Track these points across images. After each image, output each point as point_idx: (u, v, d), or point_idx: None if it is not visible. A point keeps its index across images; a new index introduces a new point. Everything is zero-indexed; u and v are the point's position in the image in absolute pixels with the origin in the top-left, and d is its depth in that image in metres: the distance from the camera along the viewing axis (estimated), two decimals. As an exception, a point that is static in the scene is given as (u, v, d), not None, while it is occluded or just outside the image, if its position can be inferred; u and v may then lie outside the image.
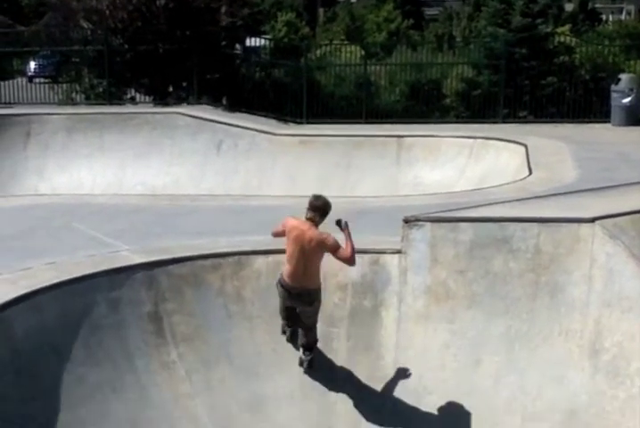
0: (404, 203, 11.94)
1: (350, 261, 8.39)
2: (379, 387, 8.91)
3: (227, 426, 8.38)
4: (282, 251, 8.67)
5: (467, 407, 8.65)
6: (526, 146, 15.58)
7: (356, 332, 9.26)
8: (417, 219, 9.38)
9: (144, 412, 8.23)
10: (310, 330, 8.83)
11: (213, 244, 9.96)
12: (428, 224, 9.36)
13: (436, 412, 8.68)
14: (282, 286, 8.55)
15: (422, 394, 8.81)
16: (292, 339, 9.11)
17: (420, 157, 16.85)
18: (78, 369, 8.22)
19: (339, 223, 8.41)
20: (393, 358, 9.09)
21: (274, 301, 8.94)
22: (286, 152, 17.59)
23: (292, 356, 9.08)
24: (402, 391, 8.85)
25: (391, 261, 9.43)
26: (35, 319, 8.21)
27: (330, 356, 9.09)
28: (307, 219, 8.37)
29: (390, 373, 8.99)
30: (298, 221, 8.45)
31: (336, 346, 9.20)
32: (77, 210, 12.47)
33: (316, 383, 8.96)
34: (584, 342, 8.69)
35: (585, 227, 8.98)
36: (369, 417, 8.71)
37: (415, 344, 9.10)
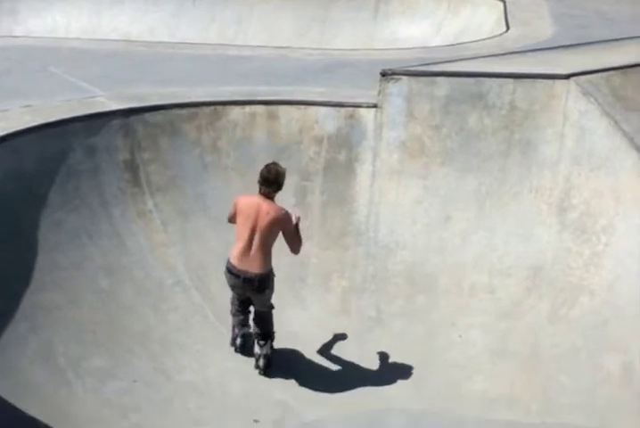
0: (381, 57, 11.51)
1: (298, 249, 7.36)
2: (352, 241, 8.79)
3: (202, 275, 8.27)
4: (259, 102, 8.30)
5: (437, 262, 8.58)
6: (504, 2, 15.03)
7: (330, 186, 9.05)
8: (394, 73, 9.01)
9: (120, 259, 8.08)
10: (267, 315, 7.59)
11: (189, 93, 9.54)
12: (404, 78, 8.99)
13: (407, 267, 8.61)
14: (229, 272, 7.28)
15: (394, 249, 8.71)
16: (244, 347, 7.75)
17: (398, 11, 16.23)
18: (55, 214, 7.98)
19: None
20: (366, 212, 8.93)
21: (251, 153, 8.67)
22: (263, 3, 16.89)
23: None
24: (373, 246, 8.74)
25: (367, 115, 9.10)
26: (13, 162, 7.86)
27: (304, 209, 8.90)
28: (262, 195, 7.15)
29: (363, 227, 8.86)
30: (251, 197, 7.22)
31: (310, 200, 9.01)
32: (53, 54, 11.98)
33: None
34: (553, 200, 8.56)
35: (559, 84, 8.66)
36: (340, 268, 8.63)
37: (388, 199, 8.93)
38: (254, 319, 7.61)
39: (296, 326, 8.02)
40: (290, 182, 8.97)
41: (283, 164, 8.95)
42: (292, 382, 7.42)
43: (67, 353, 7.09)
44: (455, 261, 8.55)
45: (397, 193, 8.96)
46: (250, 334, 7.67)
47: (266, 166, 7.19)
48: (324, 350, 7.84)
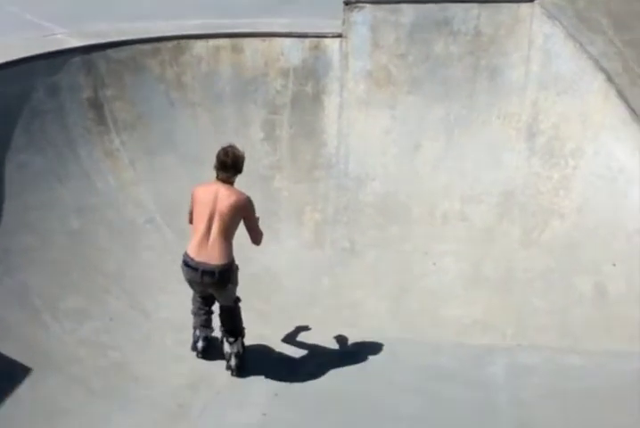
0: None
1: (259, 239, 6.62)
2: (323, 174, 8.69)
3: (174, 212, 8.12)
4: (223, 36, 8.04)
5: (408, 192, 8.52)
6: None
7: (298, 119, 8.89)
8: (358, 1, 8.78)
9: (90, 200, 7.93)
10: (234, 310, 6.85)
11: (151, 28, 9.25)
12: (368, 6, 8.75)
13: (378, 197, 8.55)
14: (186, 265, 6.46)
15: (365, 180, 8.63)
16: (206, 351, 7.01)
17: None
18: (21, 156, 7.77)
19: None
20: (336, 144, 8.80)
21: (217, 88, 8.47)
22: None
23: (238, 146, 8.61)
24: (344, 178, 8.66)
25: (332, 46, 8.89)
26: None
27: (273, 143, 8.75)
28: (220, 180, 6.42)
29: (333, 160, 8.75)
30: (208, 184, 6.51)
31: (278, 133, 8.86)
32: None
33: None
34: (521, 125, 8.47)
35: (524, 7, 8.47)
36: (312, 201, 8.55)
37: (357, 130, 8.80)
38: (220, 316, 6.90)
39: (270, 260, 7.96)
40: (257, 116, 8.93)
41: (249, 97, 8.87)
42: (268, 314, 7.37)
43: (42, 295, 6.99)
44: (427, 190, 8.48)
45: (365, 124, 8.83)
46: (211, 337, 7.02)
47: (223, 149, 6.42)
48: (299, 283, 7.80)
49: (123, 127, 8.52)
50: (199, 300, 6.92)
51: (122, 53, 8.72)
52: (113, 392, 6.43)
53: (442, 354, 7.12)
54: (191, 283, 6.59)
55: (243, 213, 6.42)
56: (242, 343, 6.89)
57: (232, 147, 6.45)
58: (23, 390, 6.11)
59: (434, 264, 8.00)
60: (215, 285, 6.50)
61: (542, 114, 8.36)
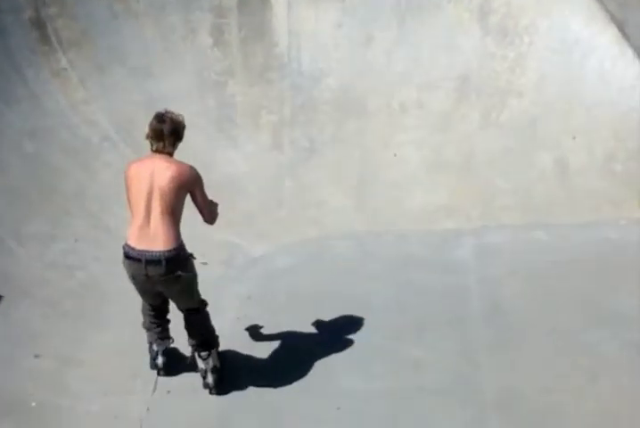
0: None
1: (212, 217, 5.60)
2: (276, 75, 8.45)
3: (129, 128, 7.93)
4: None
5: (364, 85, 8.31)
6: None
7: (246, 21, 8.57)
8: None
9: (42, 122, 7.71)
10: (201, 316, 5.73)
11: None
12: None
13: (334, 93, 8.33)
14: (127, 257, 5.32)
15: (320, 77, 8.39)
16: (168, 366, 5.93)
17: None
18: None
19: None
20: (287, 43, 8.53)
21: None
22: None
23: (187, 54, 8.44)
24: (298, 77, 8.41)
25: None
26: None
27: (223, 48, 8.50)
28: (156, 152, 5.29)
29: (286, 59, 8.49)
30: (143, 160, 5.36)
31: (228, 38, 8.56)
32: None
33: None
34: (473, 6, 8.24)
35: None
36: (267, 104, 8.34)
37: (307, 27, 8.51)
38: (186, 326, 5.71)
39: (230, 167, 7.81)
40: (205, 22, 8.64)
41: (194, 4, 8.57)
42: (234, 221, 7.27)
43: (4, 221, 6.87)
44: (383, 81, 8.26)
45: (315, 20, 8.55)
46: (171, 349, 5.97)
47: (157, 115, 5.32)
48: (262, 187, 7.69)
49: (68, 46, 8.22)
50: (149, 312, 5.77)
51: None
52: (85, 313, 6.40)
53: (410, 243, 7.09)
54: (135, 280, 5.42)
55: (188, 186, 5.28)
56: (218, 354, 5.84)
57: (168, 112, 5.34)
58: (-5, 317, 6.08)
59: (395, 155, 7.86)
60: (164, 279, 5.30)
61: (494, -8, 8.12)
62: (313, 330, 6.22)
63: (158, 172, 5.19)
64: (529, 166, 7.40)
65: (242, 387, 5.74)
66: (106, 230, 7.17)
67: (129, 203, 5.31)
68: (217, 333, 5.82)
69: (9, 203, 7.03)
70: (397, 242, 7.11)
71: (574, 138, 7.43)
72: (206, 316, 5.73)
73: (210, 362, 5.72)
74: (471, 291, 6.48)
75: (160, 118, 5.28)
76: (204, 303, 5.70)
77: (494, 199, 7.33)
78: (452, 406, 5.52)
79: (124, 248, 5.31)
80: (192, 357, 5.81)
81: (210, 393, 5.72)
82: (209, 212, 5.50)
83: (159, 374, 5.90)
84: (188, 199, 5.36)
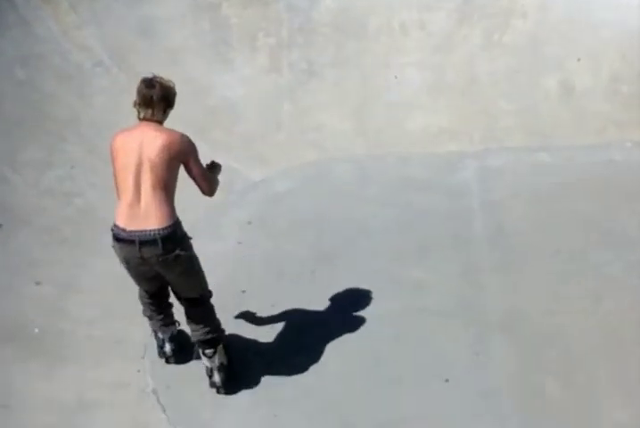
0: None
1: (211, 188, 4.98)
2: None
3: (123, 54, 7.74)
4: None
5: (363, 5, 8.05)
6: None
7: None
8: None
9: (33, 48, 7.50)
10: (205, 306, 5.19)
11: None
12: None
13: (332, 14, 8.06)
14: (117, 239, 4.77)
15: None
16: (180, 351, 5.48)
17: None
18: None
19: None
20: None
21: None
22: None
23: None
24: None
25: None
26: None
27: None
28: (145, 120, 4.81)
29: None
30: (130, 130, 4.82)
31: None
32: None
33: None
34: None
35: None
36: (264, 26, 8.06)
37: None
38: (187, 321, 5.22)
39: (227, 90, 7.62)
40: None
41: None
42: (231, 145, 7.11)
43: (-2, 149, 6.77)
44: (383, 1, 8.00)
45: None
46: (178, 333, 5.50)
47: (144, 80, 4.82)
48: (260, 110, 7.52)
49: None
50: (147, 300, 5.29)
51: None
52: (84, 239, 6.33)
53: (411, 165, 6.96)
54: (129, 264, 4.89)
55: (181, 157, 4.75)
56: (225, 349, 5.31)
57: (156, 77, 4.84)
58: (-7, 246, 6.00)
59: (396, 77, 7.66)
60: (162, 260, 4.78)
61: None
62: (314, 253, 6.18)
63: (147, 142, 4.70)
64: (532, 87, 7.23)
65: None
66: (102, 156, 7.00)
67: (116, 179, 4.79)
68: (222, 326, 5.28)
69: (3, 131, 6.89)
70: (397, 164, 6.98)
71: (579, 60, 7.24)
72: (210, 309, 5.19)
73: (217, 360, 5.20)
74: (474, 213, 6.40)
75: (149, 83, 4.79)
76: (209, 293, 5.17)
77: (497, 121, 7.18)
78: (455, 327, 5.49)
79: (112, 229, 4.77)
80: (197, 353, 5.28)
81: (218, 392, 5.23)
82: (207, 184, 4.93)
83: (168, 361, 5.46)
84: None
